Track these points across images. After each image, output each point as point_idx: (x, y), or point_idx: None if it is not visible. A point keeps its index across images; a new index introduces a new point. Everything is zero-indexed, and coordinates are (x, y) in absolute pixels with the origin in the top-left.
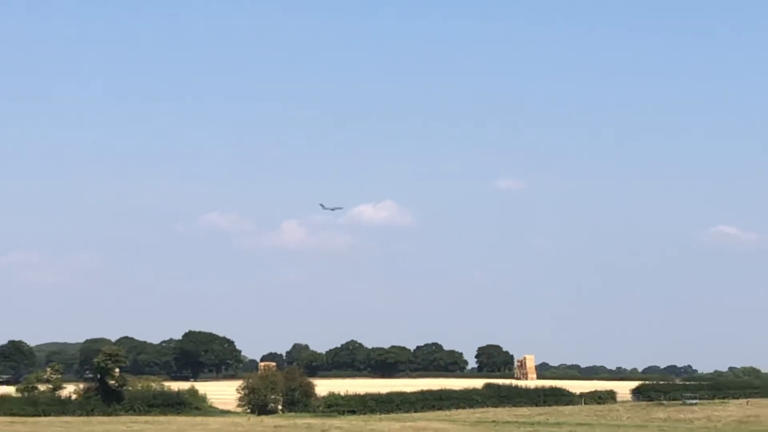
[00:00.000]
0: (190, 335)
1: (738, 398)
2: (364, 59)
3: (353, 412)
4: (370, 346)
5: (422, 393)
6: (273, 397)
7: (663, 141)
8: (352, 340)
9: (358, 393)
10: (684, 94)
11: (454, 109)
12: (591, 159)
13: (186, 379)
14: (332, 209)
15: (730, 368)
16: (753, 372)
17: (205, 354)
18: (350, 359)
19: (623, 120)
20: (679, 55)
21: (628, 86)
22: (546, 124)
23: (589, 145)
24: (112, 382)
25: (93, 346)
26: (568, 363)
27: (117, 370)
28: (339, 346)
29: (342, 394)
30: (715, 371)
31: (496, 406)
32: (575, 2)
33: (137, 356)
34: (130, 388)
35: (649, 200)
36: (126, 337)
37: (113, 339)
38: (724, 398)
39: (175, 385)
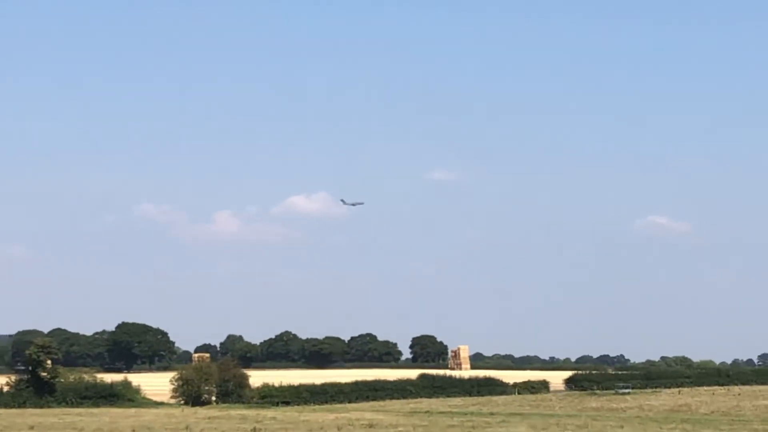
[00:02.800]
0: (123, 327)
1: (670, 387)
2: (297, 51)
3: (287, 403)
4: (304, 337)
5: (356, 384)
6: (207, 388)
7: (594, 132)
8: (287, 331)
9: (292, 384)
10: (613, 86)
11: (388, 101)
12: (524, 151)
13: (119, 370)
14: (353, 204)
15: (662, 358)
16: (684, 361)
17: (138, 345)
18: (284, 350)
19: (555, 112)
20: (607, 46)
21: (560, 79)
22: (480, 116)
23: (522, 138)
24: (44, 374)
25: (24, 338)
26: (502, 353)
27: (49, 362)
28: (273, 337)
29: (276, 385)
30: (647, 361)
31: (430, 397)
32: None
33: (70, 348)
34: (62, 381)
35: (582, 191)
36: (58, 329)
37: (45, 331)
38: (656, 388)
39: (108, 377)
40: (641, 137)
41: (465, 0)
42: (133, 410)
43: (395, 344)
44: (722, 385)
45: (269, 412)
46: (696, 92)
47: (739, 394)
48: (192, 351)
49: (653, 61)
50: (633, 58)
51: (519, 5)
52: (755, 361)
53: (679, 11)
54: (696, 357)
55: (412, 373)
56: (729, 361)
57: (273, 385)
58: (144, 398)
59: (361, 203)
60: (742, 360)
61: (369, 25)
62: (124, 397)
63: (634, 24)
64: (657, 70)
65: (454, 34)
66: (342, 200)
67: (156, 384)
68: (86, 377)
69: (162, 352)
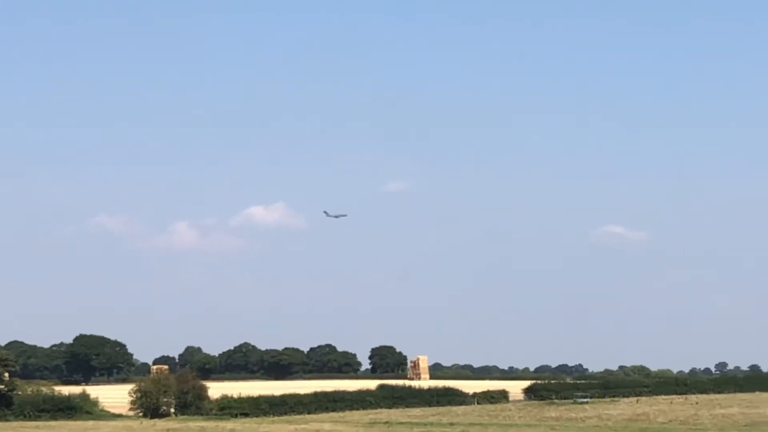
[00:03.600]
0: (80, 339)
1: (628, 397)
2: (253, 62)
3: (246, 415)
4: (263, 348)
5: (315, 395)
6: (165, 400)
7: (551, 141)
8: (246, 343)
9: (251, 395)
10: (572, 94)
11: (344, 112)
12: (480, 160)
13: (77, 383)
14: (336, 216)
15: (620, 367)
16: (642, 371)
17: (96, 358)
18: (243, 362)
19: (512, 121)
20: (564, 56)
21: (517, 86)
22: (435, 125)
23: (478, 147)
24: (2, 386)
25: None
26: (461, 363)
27: (6, 374)
28: (232, 348)
29: (235, 396)
30: (606, 370)
31: (389, 407)
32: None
33: (27, 360)
34: (19, 393)
35: (539, 201)
36: (15, 341)
37: (2, 343)
38: (614, 397)
39: (66, 390)
40: (598, 147)
41: (417, 7)
42: (91, 423)
43: (354, 355)
44: (680, 394)
45: (228, 424)
46: (648, 103)
47: (696, 403)
48: (150, 363)
49: (607, 71)
50: (587, 67)
51: (469, 14)
52: (712, 370)
53: (619, 24)
54: (654, 366)
55: (372, 384)
56: (686, 370)
57: (232, 397)
58: (102, 411)
59: (345, 215)
60: (699, 369)
61: (323, 36)
62: (82, 409)
63: (581, 32)
64: (611, 81)
65: (407, 43)
66: (325, 212)
67: (114, 396)
68: (44, 390)
69: (120, 365)
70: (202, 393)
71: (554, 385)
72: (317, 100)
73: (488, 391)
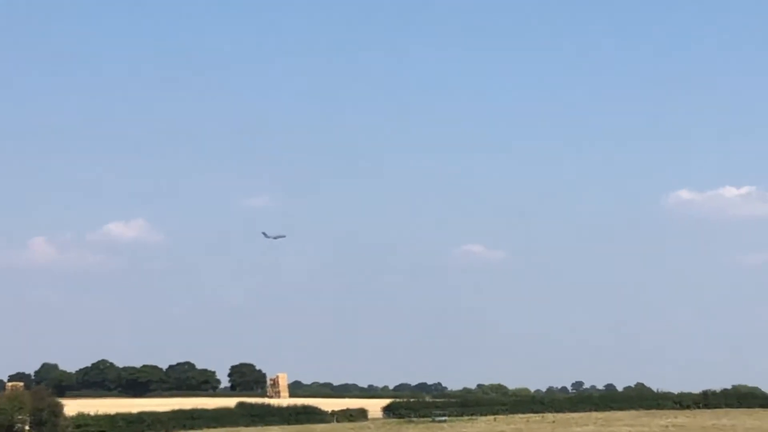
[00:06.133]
0: None
1: (486, 415)
2: (115, 74)
3: None
4: (121, 366)
5: (174, 412)
6: (20, 417)
7: (408, 161)
8: (103, 360)
9: (108, 413)
10: (426, 114)
11: (203, 127)
12: (340, 180)
13: None
14: (275, 237)
15: (479, 385)
16: (500, 389)
17: None
18: (101, 378)
19: (371, 138)
20: (421, 74)
21: (373, 106)
22: (294, 142)
23: (337, 164)
24: None
25: None
26: (321, 381)
27: None
28: (89, 365)
29: (92, 414)
30: (464, 388)
31: (248, 425)
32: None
33: None
34: None
35: (399, 219)
36: None
37: None
38: (472, 415)
39: None
40: (453, 167)
41: (279, 15)
42: None
43: (213, 372)
44: (537, 412)
45: None
46: (502, 121)
47: (553, 422)
48: (5, 379)
49: (465, 94)
50: (443, 93)
51: (330, 33)
52: (569, 388)
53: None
54: (512, 385)
55: (231, 402)
56: (544, 389)
57: (89, 414)
58: None
59: (283, 236)
60: (556, 387)
61: (183, 48)
62: None
63: (433, 51)
64: (470, 107)
65: (263, 55)
66: (263, 233)
67: None
68: None
69: None
70: (57, 410)
71: (413, 403)
72: (175, 114)
73: (347, 409)
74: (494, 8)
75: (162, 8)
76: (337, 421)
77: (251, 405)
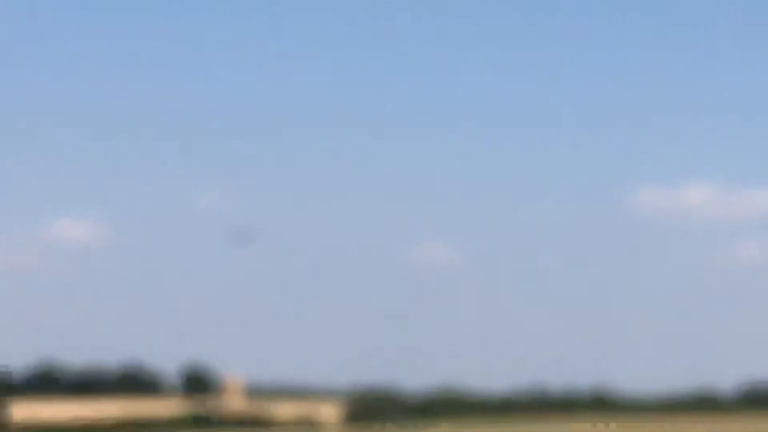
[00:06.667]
0: None
1: (447, 418)
2: (60, 66)
3: None
4: (70, 366)
5: (120, 421)
6: None
7: (365, 157)
8: (50, 361)
9: (56, 415)
10: (391, 110)
11: (149, 121)
12: (292, 175)
13: None
14: (245, 240)
15: (439, 388)
16: (462, 390)
17: None
18: (49, 380)
19: (324, 135)
20: (353, 67)
21: (322, 99)
22: (247, 138)
23: (289, 160)
24: None
25: None
26: (277, 383)
27: None
28: (36, 366)
29: (40, 416)
30: (424, 392)
31: (200, 429)
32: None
33: None
34: None
35: (356, 215)
36: None
37: None
38: (433, 419)
39: None
40: (412, 163)
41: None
42: None
43: (164, 373)
44: (500, 415)
45: None
46: (461, 122)
47: (515, 424)
48: None
49: (419, 88)
50: (387, 79)
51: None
52: (530, 390)
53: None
54: (474, 385)
55: (182, 404)
56: (507, 389)
57: (36, 417)
58: None
59: (252, 240)
60: (518, 389)
61: (135, 40)
62: None
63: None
64: (423, 97)
65: (223, 55)
66: (235, 235)
67: None
68: None
69: None
70: (2, 412)
71: (372, 407)
72: (122, 108)
73: (302, 414)
74: None
75: None
76: (294, 424)
77: (203, 407)
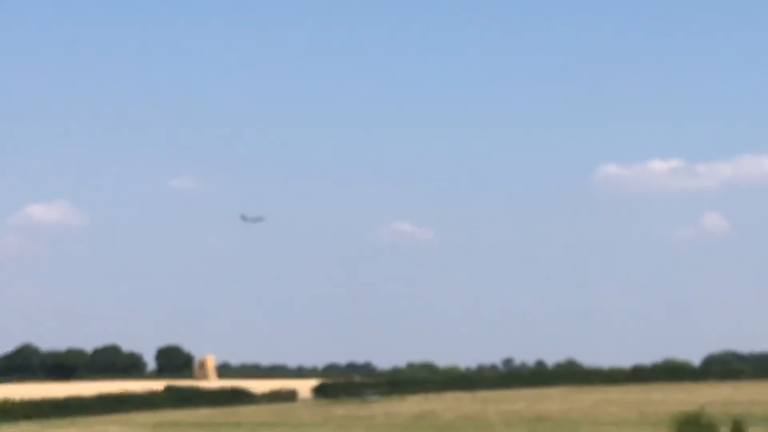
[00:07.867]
0: None
1: (416, 393)
2: (31, 54)
3: (29, 418)
4: (45, 350)
5: (100, 396)
6: None
7: (333, 141)
8: (27, 344)
9: (33, 398)
10: (352, 95)
11: (127, 106)
12: (264, 160)
13: None
14: (254, 220)
15: (409, 364)
16: (430, 368)
17: None
18: (25, 364)
19: (295, 119)
20: (343, 56)
21: (300, 83)
22: (221, 123)
23: (262, 146)
24: None
25: None
26: (250, 362)
27: None
28: (13, 350)
29: (16, 399)
30: (393, 367)
31: (176, 408)
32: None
33: None
34: None
35: (325, 198)
36: None
37: None
38: (402, 394)
39: None
40: (381, 145)
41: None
42: None
43: (140, 355)
44: (467, 390)
45: (9, 428)
46: (431, 100)
47: (484, 399)
48: None
49: (391, 70)
50: (368, 73)
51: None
52: (499, 365)
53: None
54: (442, 363)
55: (159, 385)
56: (474, 366)
57: (13, 400)
58: None
59: (262, 219)
60: (486, 364)
61: (107, 29)
62: None
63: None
64: (392, 80)
65: (195, 40)
66: (242, 216)
67: None
68: None
69: None
70: None
71: (343, 384)
72: (97, 93)
73: (277, 391)
74: None
75: None
76: (267, 403)
77: (179, 388)
